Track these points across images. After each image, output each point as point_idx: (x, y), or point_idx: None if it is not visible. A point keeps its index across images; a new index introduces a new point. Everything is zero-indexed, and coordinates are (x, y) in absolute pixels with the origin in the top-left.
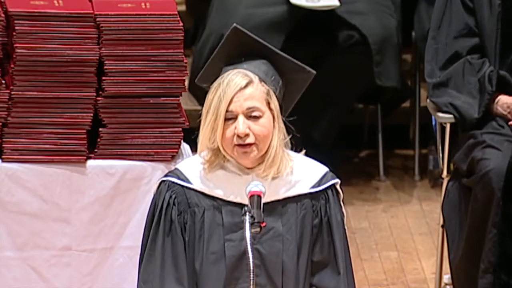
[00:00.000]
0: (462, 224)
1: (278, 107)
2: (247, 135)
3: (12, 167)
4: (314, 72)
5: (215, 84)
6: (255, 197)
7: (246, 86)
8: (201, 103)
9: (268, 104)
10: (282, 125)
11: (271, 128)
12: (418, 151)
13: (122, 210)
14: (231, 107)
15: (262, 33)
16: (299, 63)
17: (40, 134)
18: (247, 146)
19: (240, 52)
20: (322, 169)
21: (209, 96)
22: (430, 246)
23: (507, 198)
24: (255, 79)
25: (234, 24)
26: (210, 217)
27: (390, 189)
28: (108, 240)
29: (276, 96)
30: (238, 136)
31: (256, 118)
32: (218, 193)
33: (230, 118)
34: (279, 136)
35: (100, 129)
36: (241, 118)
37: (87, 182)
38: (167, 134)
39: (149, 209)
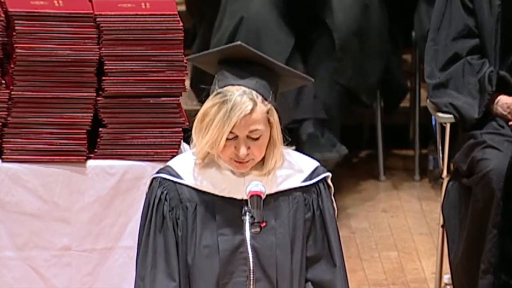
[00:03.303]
0: (462, 224)
1: (277, 118)
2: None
3: (12, 167)
4: (312, 80)
5: (217, 99)
6: (255, 197)
7: (251, 112)
8: (201, 101)
9: (268, 119)
10: (281, 136)
11: (267, 140)
12: (418, 151)
13: (122, 210)
14: (234, 129)
15: (276, 25)
16: (298, 72)
17: (40, 134)
18: (245, 161)
19: (240, 60)
20: (313, 163)
21: (210, 109)
22: (430, 246)
23: (507, 198)
24: (258, 99)
25: (239, 42)
26: (203, 212)
27: (390, 189)
28: (108, 240)
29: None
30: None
31: (257, 138)
32: (211, 188)
33: (231, 137)
34: (279, 148)
35: (100, 129)
36: (242, 141)
37: (87, 182)
38: (167, 134)
39: (143, 206)
